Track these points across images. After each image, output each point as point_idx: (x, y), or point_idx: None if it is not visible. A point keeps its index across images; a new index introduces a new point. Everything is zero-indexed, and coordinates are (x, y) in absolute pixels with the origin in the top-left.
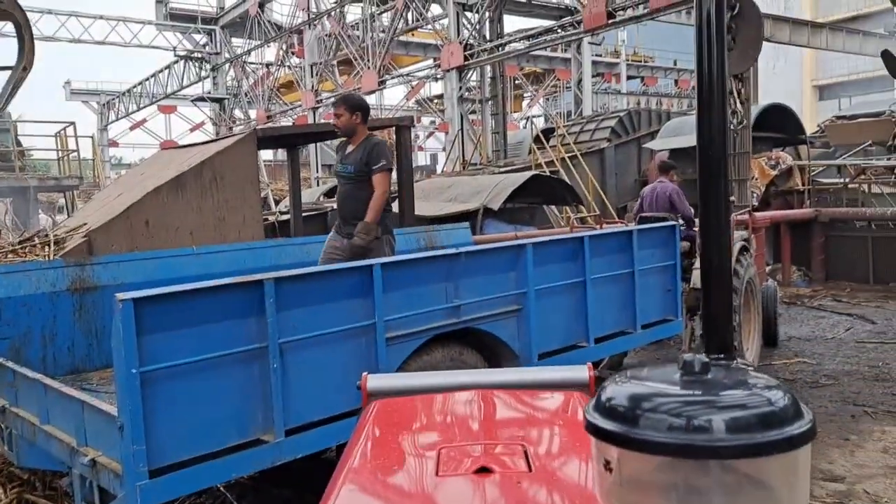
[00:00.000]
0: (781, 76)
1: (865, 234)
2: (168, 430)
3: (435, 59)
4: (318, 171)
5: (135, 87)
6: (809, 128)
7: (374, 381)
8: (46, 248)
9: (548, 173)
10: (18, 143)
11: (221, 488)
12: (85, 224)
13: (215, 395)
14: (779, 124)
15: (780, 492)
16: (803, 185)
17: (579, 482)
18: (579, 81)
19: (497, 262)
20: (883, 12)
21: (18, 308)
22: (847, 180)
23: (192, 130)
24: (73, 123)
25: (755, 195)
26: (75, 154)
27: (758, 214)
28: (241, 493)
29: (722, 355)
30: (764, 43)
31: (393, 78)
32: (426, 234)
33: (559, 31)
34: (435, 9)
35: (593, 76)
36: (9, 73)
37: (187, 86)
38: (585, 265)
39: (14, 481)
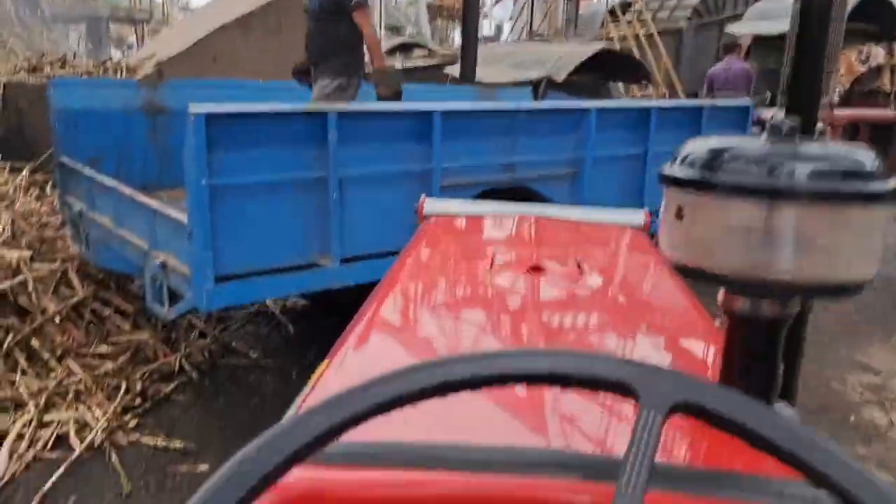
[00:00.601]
0: None
1: None
2: (233, 243)
3: None
4: (381, 30)
5: None
6: None
7: (431, 205)
8: (118, 75)
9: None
10: None
11: (276, 312)
12: (155, 55)
13: (278, 217)
14: (873, 15)
15: (850, 248)
16: (892, 85)
17: (630, 291)
18: None
19: (558, 123)
20: None
21: (95, 121)
22: None
23: None
24: None
25: (838, 90)
26: None
27: (837, 111)
28: (293, 318)
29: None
30: None
31: None
32: (485, 93)
33: None
34: None
35: None
36: None
37: None
38: (649, 137)
39: (90, 279)
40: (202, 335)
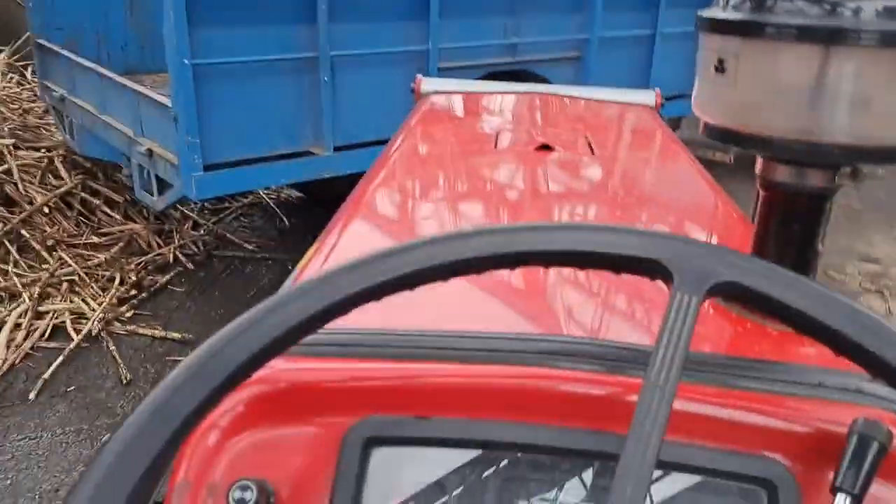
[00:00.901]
0: None
1: None
2: (221, 128)
3: None
4: None
5: None
6: None
7: (428, 84)
8: None
9: None
10: None
11: (272, 204)
12: None
13: (267, 101)
14: None
15: None
16: None
17: (644, 171)
18: None
19: (563, 1)
20: None
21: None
22: None
23: None
24: None
25: None
26: None
27: None
28: (288, 210)
29: None
30: None
31: None
32: None
33: None
34: None
35: None
36: None
37: None
38: (658, 16)
39: (78, 169)
40: (196, 226)
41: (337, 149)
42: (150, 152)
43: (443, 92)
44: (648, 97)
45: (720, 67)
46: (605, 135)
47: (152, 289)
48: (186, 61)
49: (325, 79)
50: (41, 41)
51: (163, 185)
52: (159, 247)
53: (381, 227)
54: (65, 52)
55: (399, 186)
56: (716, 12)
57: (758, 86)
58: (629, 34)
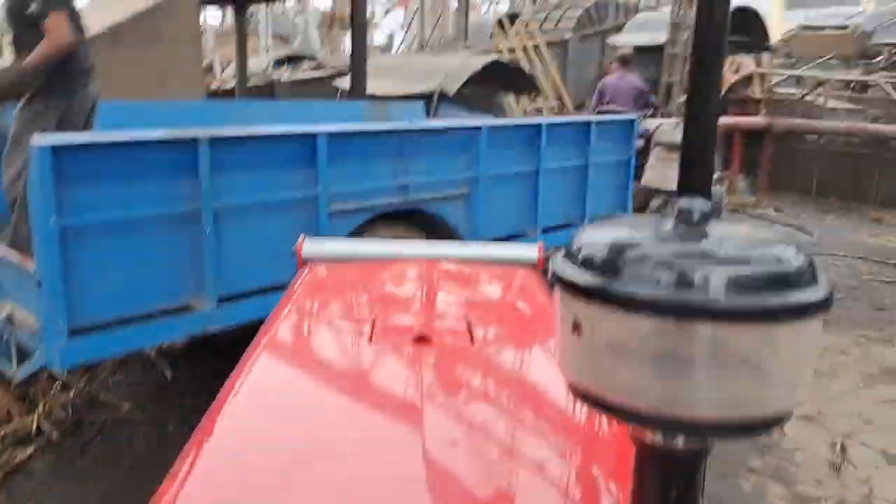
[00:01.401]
0: None
1: (814, 147)
2: (91, 289)
3: None
4: (268, 41)
5: None
6: (774, 36)
7: (310, 246)
8: None
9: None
10: None
11: (153, 354)
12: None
13: (144, 257)
14: (744, 28)
15: (779, 370)
16: (761, 94)
17: (523, 359)
18: None
19: (450, 141)
20: None
21: None
22: (805, 92)
23: None
24: None
25: None
26: None
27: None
28: (171, 362)
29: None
30: None
31: None
32: (376, 108)
33: None
34: None
35: None
36: None
37: None
38: (540, 153)
39: None
40: (65, 387)
41: (222, 300)
42: (9, 318)
43: (323, 259)
44: (531, 252)
45: (576, 328)
46: (487, 315)
47: (8, 469)
48: (53, 222)
49: (208, 231)
50: None
51: (23, 353)
52: (20, 416)
53: (245, 442)
54: None
55: (269, 385)
56: (567, 268)
57: (612, 352)
58: (514, 171)
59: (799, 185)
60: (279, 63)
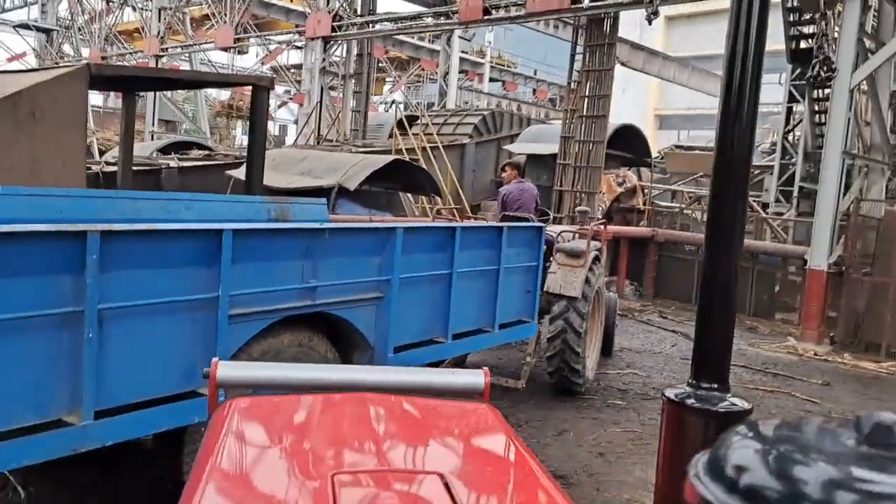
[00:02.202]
0: (628, 102)
1: (693, 257)
2: None
3: (298, 26)
4: (154, 125)
5: None
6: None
7: (225, 370)
8: None
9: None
10: None
11: (6, 472)
12: None
13: (13, 363)
14: (628, 144)
15: None
16: (644, 205)
17: None
18: (446, 74)
19: (362, 243)
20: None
21: None
22: (683, 206)
23: (10, 60)
24: None
25: (601, 209)
26: None
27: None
28: (26, 476)
29: (716, 385)
30: (618, 67)
31: (251, 38)
32: (277, 205)
33: (432, 18)
34: None
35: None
36: None
37: (10, 9)
38: (454, 257)
39: None
40: None
41: (98, 414)
42: None
43: (239, 384)
44: (476, 379)
45: None
46: (460, 470)
47: None
48: None
49: (90, 335)
50: None
51: None
52: None
53: None
54: None
55: None
56: (724, 498)
57: None
58: (428, 273)
59: (681, 292)
60: (167, 149)
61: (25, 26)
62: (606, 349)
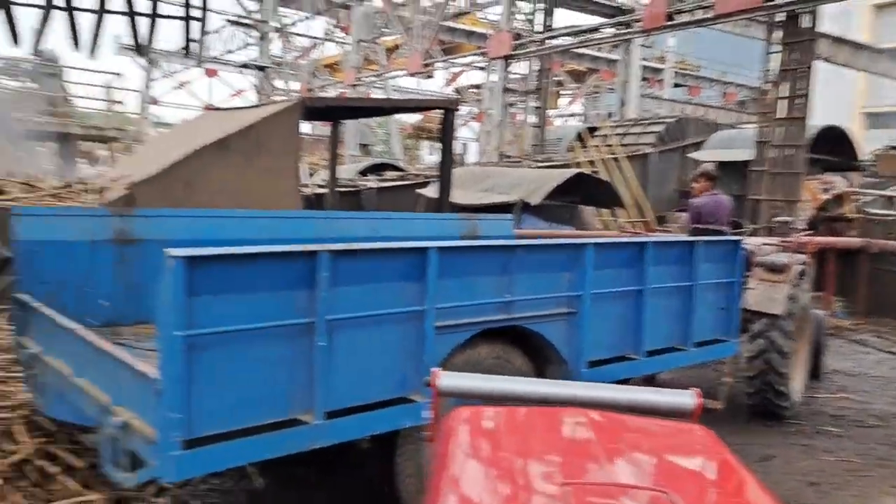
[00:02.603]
0: (830, 100)
1: None
2: (206, 401)
3: (479, 48)
4: (354, 149)
5: (183, 48)
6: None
7: (446, 380)
8: (87, 196)
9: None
10: (65, 90)
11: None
12: (127, 176)
13: (258, 368)
14: (834, 148)
15: None
16: (854, 213)
17: None
18: (625, 83)
19: (554, 260)
20: None
21: (58, 253)
22: None
23: (233, 96)
24: (119, 74)
25: (804, 219)
26: (119, 106)
27: (804, 237)
28: (262, 470)
29: None
30: (820, 63)
31: (438, 62)
32: (468, 221)
33: (612, 29)
34: None
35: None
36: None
37: (233, 51)
38: (645, 273)
39: (39, 431)
40: (161, 491)
41: (329, 414)
42: (125, 424)
43: (462, 392)
44: (685, 400)
45: None
46: (686, 492)
47: None
48: (179, 333)
49: (322, 343)
50: (21, 296)
51: (136, 460)
52: None
53: None
54: (44, 310)
55: None
56: None
57: None
58: (619, 289)
59: None
60: (364, 172)
61: (246, 66)
62: (815, 371)
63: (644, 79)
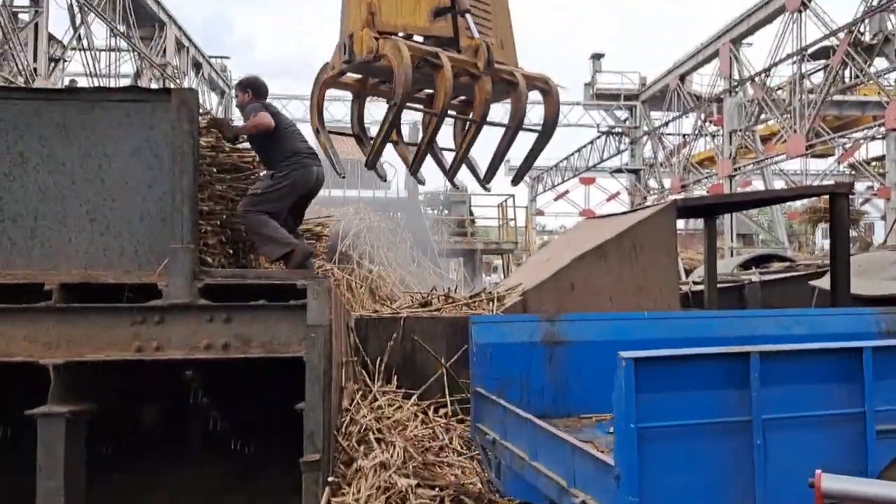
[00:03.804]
0: None
1: None
2: (657, 488)
3: (875, 118)
4: (732, 241)
5: (561, 161)
6: None
7: (830, 482)
8: (490, 304)
9: None
10: (471, 213)
11: None
12: (520, 284)
13: (699, 461)
14: None
15: None
16: None
17: None
18: None
19: None
20: None
21: (504, 354)
22: None
23: (608, 200)
24: (512, 196)
25: None
26: (512, 222)
27: None
28: None
29: None
30: None
31: (823, 140)
32: (890, 317)
33: None
34: (879, 62)
35: None
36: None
37: (607, 159)
38: None
39: None
40: None
41: None
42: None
43: (849, 496)
44: None
45: None
46: None
47: None
48: (633, 425)
49: (758, 442)
50: (478, 389)
51: None
52: None
53: None
54: (500, 401)
55: None
56: None
57: None
58: None
59: None
60: (746, 264)
61: (619, 170)
62: None
63: None
